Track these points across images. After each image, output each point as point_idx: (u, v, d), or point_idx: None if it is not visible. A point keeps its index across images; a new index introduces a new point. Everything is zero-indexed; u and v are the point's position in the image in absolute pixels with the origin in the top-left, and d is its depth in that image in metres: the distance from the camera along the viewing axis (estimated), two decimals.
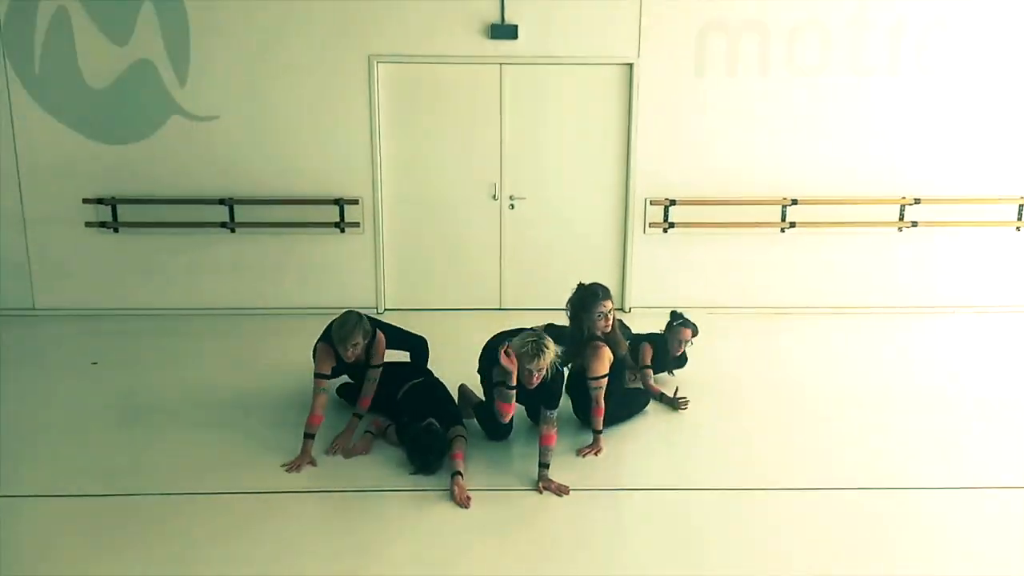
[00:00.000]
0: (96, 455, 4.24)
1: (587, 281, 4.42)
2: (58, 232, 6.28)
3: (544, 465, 3.99)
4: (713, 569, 3.35)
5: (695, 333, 4.98)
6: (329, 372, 4.29)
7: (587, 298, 4.29)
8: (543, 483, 3.94)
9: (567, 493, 3.90)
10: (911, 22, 6.08)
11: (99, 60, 5.99)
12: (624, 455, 4.34)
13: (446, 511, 3.74)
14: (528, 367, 3.90)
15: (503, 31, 6.00)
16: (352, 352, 4.22)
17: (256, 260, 6.41)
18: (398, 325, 4.91)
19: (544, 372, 3.93)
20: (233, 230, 6.28)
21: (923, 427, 4.58)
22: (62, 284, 6.40)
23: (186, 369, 5.39)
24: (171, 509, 3.73)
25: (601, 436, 4.32)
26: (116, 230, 6.25)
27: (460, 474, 3.91)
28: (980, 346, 5.95)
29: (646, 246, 6.45)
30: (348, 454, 4.22)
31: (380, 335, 4.42)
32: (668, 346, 5.00)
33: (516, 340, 3.98)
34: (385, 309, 6.44)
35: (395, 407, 4.41)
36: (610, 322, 4.29)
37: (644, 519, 3.76)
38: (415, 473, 4.02)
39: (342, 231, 6.32)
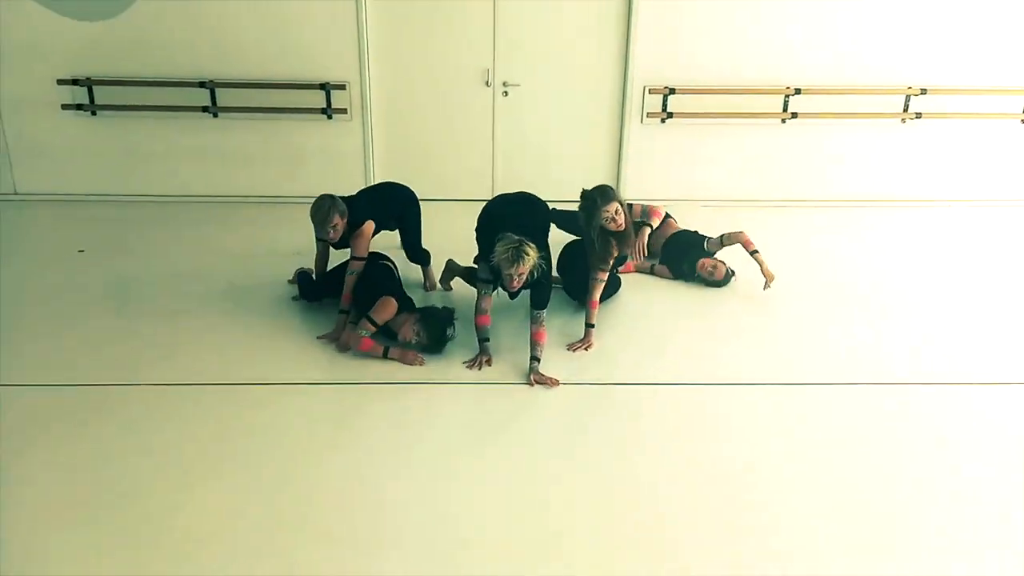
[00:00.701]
0: (86, 344, 4.23)
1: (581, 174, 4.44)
2: (34, 114, 6.03)
3: (535, 359, 4.02)
4: (703, 461, 3.41)
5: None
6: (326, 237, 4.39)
7: (592, 202, 4.18)
8: (534, 376, 3.98)
9: (557, 385, 3.94)
10: None
11: None
12: (612, 350, 4.35)
13: (438, 403, 3.78)
14: (508, 272, 3.86)
15: None
16: (333, 233, 4.29)
17: (240, 147, 6.20)
18: None
19: (525, 277, 3.89)
20: (215, 115, 6.05)
21: (930, 322, 4.63)
22: (42, 168, 6.20)
23: (173, 257, 5.31)
24: (159, 398, 3.75)
25: (592, 330, 4.32)
26: (94, 113, 6.01)
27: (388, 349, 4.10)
28: (984, 239, 5.92)
29: (643, 136, 6.27)
30: (343, 347, 4.20)
31: (367, 224, 4.35)
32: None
33: (498, 246, 3.90)
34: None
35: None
36: (620, 223, 4.20)
37: (634, 414, 3.81)
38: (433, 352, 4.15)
39: (329, 117, 6.10)
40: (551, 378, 3.97)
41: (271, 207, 6.23)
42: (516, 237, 3.89)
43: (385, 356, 4.12)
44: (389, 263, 4.61)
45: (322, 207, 4.27)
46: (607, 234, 4.22)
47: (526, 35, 6.05)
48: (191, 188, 6.29)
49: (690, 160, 6.36)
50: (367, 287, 4.31)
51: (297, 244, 5.13)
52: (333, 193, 4.39)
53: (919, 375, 4.09)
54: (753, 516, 3.08)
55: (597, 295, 4.29)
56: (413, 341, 4.13)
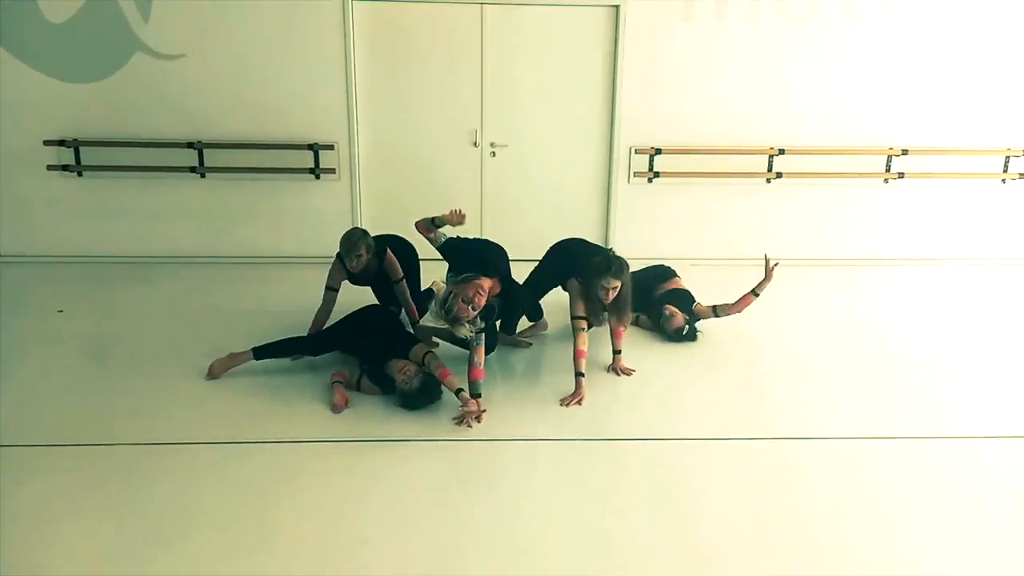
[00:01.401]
0: (69, 403, 4.09)
1: (567, 235, 4.81)
2: (19, 175, 6.01)
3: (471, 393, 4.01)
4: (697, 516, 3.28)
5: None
6: (338, 285, 4.70)
7: (598, 268, 4.23)
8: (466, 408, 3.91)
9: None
10: None
11: None
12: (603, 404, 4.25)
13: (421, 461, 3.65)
14: (464, 296, 3.92)
15: None
16: (357, 263, 4.55)
17: (227, 207, 6.19)
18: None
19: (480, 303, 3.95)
20: (203, 175, 6.05)
21: (914, 379, 4.54)
22: (26, 229, 6.15)
23: (158, 317, 5.20)
24: (142, 458, 3.59)
25: (583, 380, 4.22)
26: (80, 174, 5.99)
27: (462, 390, 3.92)
28: (967, 297, 5.91)
29: (630, 196, 6.32)
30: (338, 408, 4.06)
31: (388, 253, 4.77)
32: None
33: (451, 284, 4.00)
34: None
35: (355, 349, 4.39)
36: (610, 298, 4.24)
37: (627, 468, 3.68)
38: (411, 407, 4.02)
39: (317, 177, 6.11)
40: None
41: (256, 268, 6.17)
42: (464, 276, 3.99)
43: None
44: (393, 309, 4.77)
45: (353, 236, 4.58)
46: (598, 301, 4.28)
47: (513, 96, 6.13)
48: (176, 248, 6.24)
49: (678, 219, 6.39)
50: (372, 330, 4.34)
51: (272, 302, 5.06)
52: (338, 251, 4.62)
53: (913, 429, 4.00)
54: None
55: (583, 345, 4.24)
56: (400, 379, 4.00)
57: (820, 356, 4.80)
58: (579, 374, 4.22)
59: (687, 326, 4.90)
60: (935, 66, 6.14)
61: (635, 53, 5.98)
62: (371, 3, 5.87)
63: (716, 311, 4.86)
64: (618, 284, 4.19)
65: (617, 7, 5.91)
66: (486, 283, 4.01)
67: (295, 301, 4.72)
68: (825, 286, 6.07)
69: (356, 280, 4.80)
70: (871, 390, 4.39)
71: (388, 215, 6.25)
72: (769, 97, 6.14)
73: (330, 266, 4.70)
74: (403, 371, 3.99)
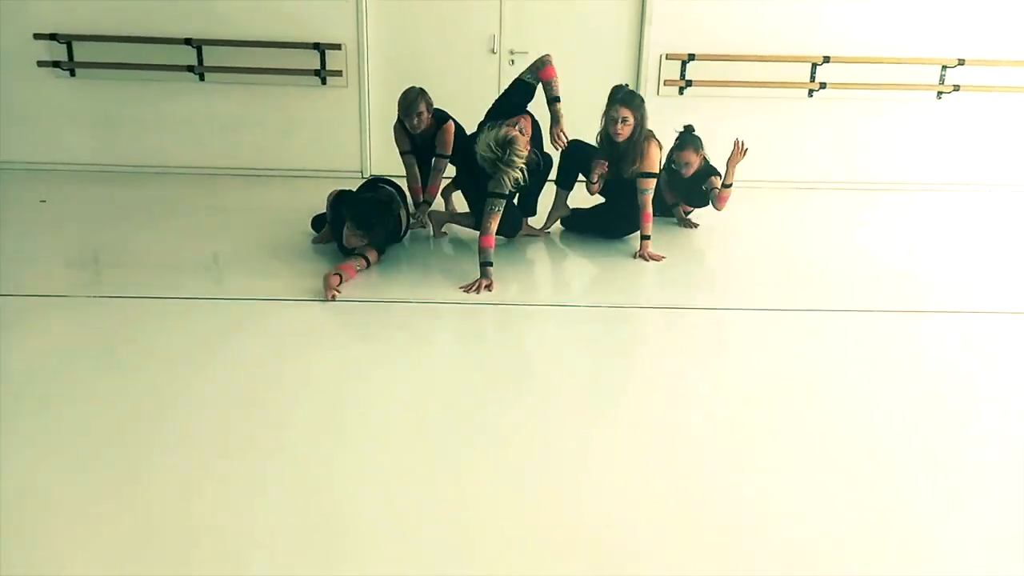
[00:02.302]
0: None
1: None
2: (8, 72, 5.65)
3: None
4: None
5: (699, 154, 4.64)
6: (409, 148, 4.58)
7: (609, 98, 4.12)
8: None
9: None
10: None
11: None
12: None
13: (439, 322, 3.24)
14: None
15: None
16: (418, 121, 4.39)
17: (227, 114, 5.80)
18: None
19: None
20: (202, 76, 5.66)
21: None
22: (17, 133, 5.79)
23: (164, 229, 4.69)
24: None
25: (648, 242, 4.18)
26: (72, 72, 5.63)
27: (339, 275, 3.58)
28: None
29: (659, 110, 5.80)
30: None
31: (450, 123, 4.51)
32: (677, 170, 4.68)
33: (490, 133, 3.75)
34: (371, 175, 5.86)
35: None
36: (623, 133, 3.94)
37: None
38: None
39: (323, 81, 5.70)
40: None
41: (257, 179, 5.79)
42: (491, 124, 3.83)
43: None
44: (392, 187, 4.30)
45: (409, 95, 4.39)
46: (607, 139, 4.13)
47: (534, 0, 5.69)
48: (177, 159, 5.86)
49: (709, 136, 5.90)
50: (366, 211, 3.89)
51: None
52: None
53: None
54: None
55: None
56: (359, 246, 3.77)
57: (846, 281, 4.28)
58: (645, 236, 4.18)
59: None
60: None
61: None
62: None
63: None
64: (628, 115, 4.00)
65: None
66: (527, 122, 3.95)
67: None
68: (869, 212, 5.55)
69: (419, 151, 4.58)
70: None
71: None
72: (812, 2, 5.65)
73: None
74: (349, 242, 3.80)
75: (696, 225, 4.86)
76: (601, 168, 4.14)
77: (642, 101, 4.08)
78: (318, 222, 4.36)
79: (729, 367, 3.03)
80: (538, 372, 2.96)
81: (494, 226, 3.70)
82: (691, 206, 4.90)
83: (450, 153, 4.44)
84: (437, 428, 2.46)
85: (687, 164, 4.56)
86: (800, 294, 3.74)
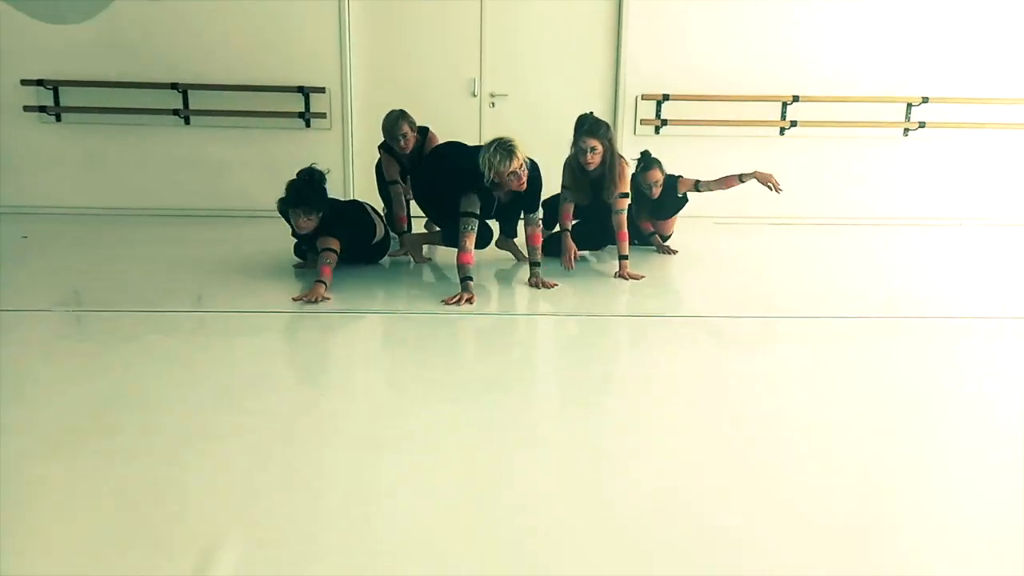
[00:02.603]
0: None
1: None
2: None
3: (536, 264, 4.05)
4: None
5: (663, 172, 4.75)
6: (398, 174, 4.61)
7: (575, 129, 4.14)
8: (535, 280, 3.98)
9: (555, 286, 3.96)
10: None
11: None
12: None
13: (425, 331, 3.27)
14: (509, 171, 3.76)
15: None
16: (404, 142, 4.46)
17: (213, 156, 5.89)
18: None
19: (523, 173, 3.81)
20: (187, 120, 5.76)
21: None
22: (3, 178, 5.84)
23: (137, 269, 4.83)
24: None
25: (626, 262, 4.23)
26: (58, 117, 5.71)
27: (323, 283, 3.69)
28: (991, 260, 5.51)
29: (636, 149, 5.99)
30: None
31: (432, 134, 4.63)
32: (645, 192, 4.74)
33: (486, 155, 3.80)
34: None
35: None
36: (593, 162, 4.09)
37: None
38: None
39: (307, 124, 5.82)
40: (551, 282, 3.98)
41: (241, 221, 5.86)
42: (493, 141, 3.83)
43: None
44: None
45: (391, 117, 4.47)
46: (579, 168, 4.17)
47: (514, 44, 5.89)
48: (161, 201, 5.93)
49: (686, 173, 6.05)
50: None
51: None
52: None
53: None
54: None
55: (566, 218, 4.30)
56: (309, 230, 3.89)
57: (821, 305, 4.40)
58: (623, 257, 4.24)
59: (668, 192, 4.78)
60: (956, 10, 5.87)
61: None
62: None
63: (698, 186, 4.75)
64: (596, 144, 4.07)
65: None
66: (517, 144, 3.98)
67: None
68: (844, 246, 5.69)
69: (409, 173, 4.61)
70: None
71: None
72: (782, 43, 5.88)
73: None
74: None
75: (675, 252, 4.96)
76: (567, 213, 4.29)
77: (608, 128, 4.16)
78: (299, 248, 4.45)
79: (718, 371, 3.09)
80: (525, 375, 3.00)
81: (470, 243, 3.84)
82: (666, 217, 4.97)
83: None
84: (431, 431, 2.49)
85: (655, 183, 4.65)
86: (770, 305, 3.83)
